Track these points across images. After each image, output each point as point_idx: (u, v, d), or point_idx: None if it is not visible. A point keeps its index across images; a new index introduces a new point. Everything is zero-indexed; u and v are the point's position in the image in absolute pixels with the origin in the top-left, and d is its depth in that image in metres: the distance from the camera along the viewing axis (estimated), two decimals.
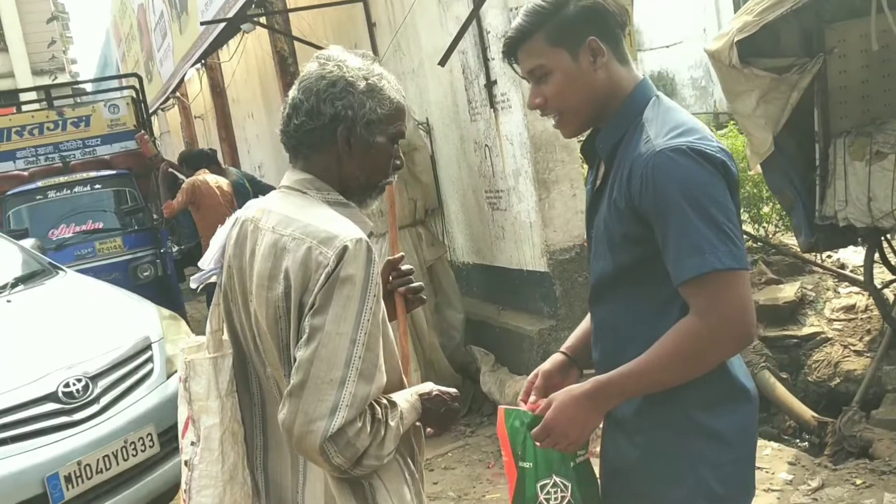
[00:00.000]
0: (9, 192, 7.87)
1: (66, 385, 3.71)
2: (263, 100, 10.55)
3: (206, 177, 7.48)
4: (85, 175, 8.06)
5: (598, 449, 1.95)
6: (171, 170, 8.17)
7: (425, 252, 5.12)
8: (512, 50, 1.82)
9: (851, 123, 4.49)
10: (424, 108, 5.93)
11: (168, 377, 4.04)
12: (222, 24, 7.14)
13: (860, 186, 4.36)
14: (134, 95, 9.03)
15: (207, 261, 1.79)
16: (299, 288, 1.55)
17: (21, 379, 3.63)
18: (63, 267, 5.16)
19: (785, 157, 4.65)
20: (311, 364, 1.50)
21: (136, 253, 7.57)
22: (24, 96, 12.48)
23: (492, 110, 4.95)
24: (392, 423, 1.59)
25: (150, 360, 4.13)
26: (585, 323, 2.00)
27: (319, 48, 5.71)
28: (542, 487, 1.83)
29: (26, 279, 4.77)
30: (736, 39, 4.21)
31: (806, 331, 5.25)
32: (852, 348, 5.03)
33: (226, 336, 1.77)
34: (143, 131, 8.53)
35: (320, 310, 1.52)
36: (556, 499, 1.82)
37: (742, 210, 6.38)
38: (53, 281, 4.83)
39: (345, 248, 1.54)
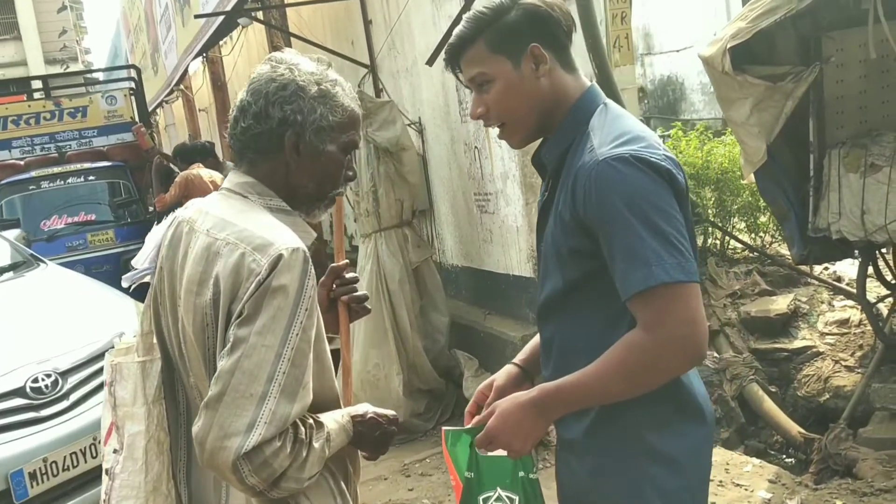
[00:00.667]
0: (2, 182, 7.84)
1: (35, 380, 3.65)
2: None
3: (200, 171, 7.41)
4: (79, 166, 8.03)
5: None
6: (167, 163, 8.12)
7: (411, 254, 5.05)
8: (454, 58, 1.75)
9: (848, 134, 4.40)
10: (417, 108, 5.85)
11: None
12: (221, 17, 7.09)
13: (854, 199, 4.26)
14: (133, 87, 9.00)
15: (141, 260, 1.73)
16: (229, 295, 1.48)
17: None
18: (44, 259, 5.12)
19: (779, 166, 4.57)
20: (232, 375, 1.42)
21: (127, 246, 7.53)
22: (31, 85, 12.46)
23: None
24: (316, 445, 1.51)
25: None
26: (539, 336, 1.93)
27: (315, 44, 5.61)
28: (486, 500, 1.75)
29: (5, 271, 4.72)
30: (729, 46, 4.12)
31: (797, 344, 5.15)
32: (843, 363, 4.93)
33: (156, 340, 1.70)
34: (139, 123, 8.49)
35: (247, 319, 1.45)
36: None
37: (739, 219, 6.34)
38: (33, 273, 4.79)
39: (279, 257, 1.47)
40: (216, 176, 7.49)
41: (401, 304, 4.98)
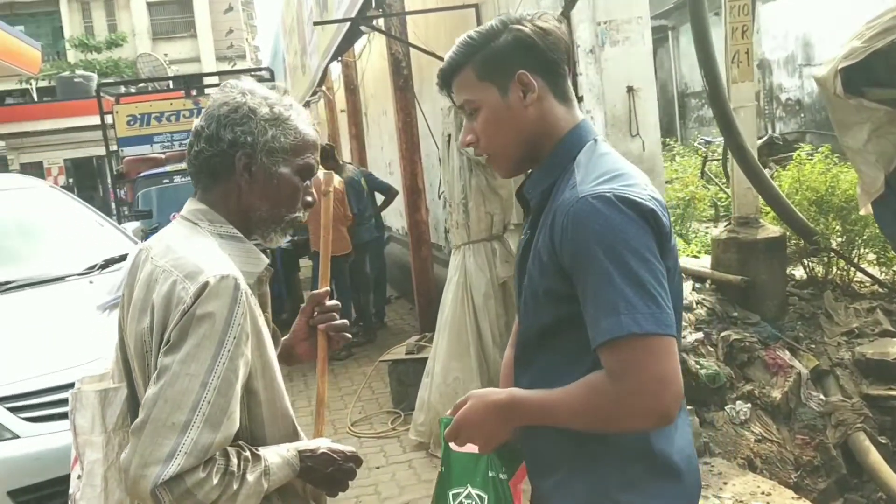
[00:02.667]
0: (141, 175, 8.34)
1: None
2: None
3: (319, 173, 7.61)
4: None
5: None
6: None
7: (499, 268, 4.96)
8: (445, 83, 1.70)
9: None
10: None
11: None
12: (349, 23, 7.24)
13: None
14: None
15: (116, 286, 1.76)
16: (161, 323, 1.50)
17: (61, 363, 3.78)
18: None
19: None
20: (155, 404, 1.43)
21: None
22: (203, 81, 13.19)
23: None
24: (250, 478, 1.49)
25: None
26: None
27: (432, 54, 5.63)
28: (455, 496, 1.71)
29: (115, 262, 5.00)
30: (840, 66, 3.80)
31: None
32: None
33: (122, 367, 1.72)
34: None
35: (172, 348, 1.46)
36: None
37: (868, 250, 5.84)
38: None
39: (205, 285, 1.47)
40: (333, 178, 7.67)
41: (485, 318, 4.91)
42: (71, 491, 1.71)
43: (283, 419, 1.63)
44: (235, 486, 1.46)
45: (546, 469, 1.66)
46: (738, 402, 4.77)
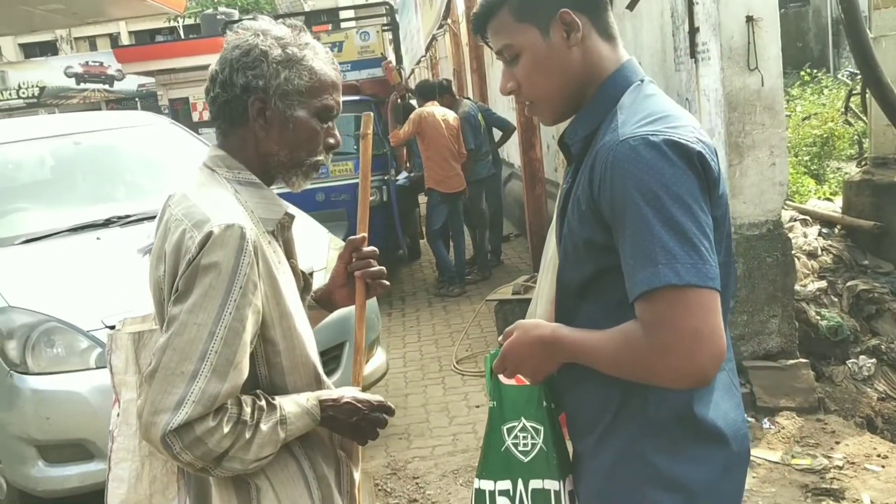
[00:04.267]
0: None
1: None
2: None
3: (434, 109, 7.57)
4: None
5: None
6: (405, 99, 8.33)
7: None
8: (480, 28, 1.59)
9: None
10: (638, 53, 5.44)
11: None
12: None
13: None
14: (385, 23, 9.31)
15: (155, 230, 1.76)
16: (172, 272, 1.49)
17: None
18: None
19: None
20: (164, 353, 1.43)
21: None
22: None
23: (693, 60, 4.42)
24: (264, 427, 1.47)
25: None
26: None
27: None
28: (510, 431, 1.65)
29: None
30: None
31: None
32: None
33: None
34: (388, 59, 8.75)
35: (180, 297, 1.45)
36: (524, 445, 1.63)
37: None
38: None
39: (209, 234, 1.44)
40: (449, 114, 7.60)
41: None
42: (110, 427, 1.75)
43: (304, 367, 1.60)
44: (248, 435, 1.45)
45: (586, 427, 1.58)
46: (862, 357, 4.45)
